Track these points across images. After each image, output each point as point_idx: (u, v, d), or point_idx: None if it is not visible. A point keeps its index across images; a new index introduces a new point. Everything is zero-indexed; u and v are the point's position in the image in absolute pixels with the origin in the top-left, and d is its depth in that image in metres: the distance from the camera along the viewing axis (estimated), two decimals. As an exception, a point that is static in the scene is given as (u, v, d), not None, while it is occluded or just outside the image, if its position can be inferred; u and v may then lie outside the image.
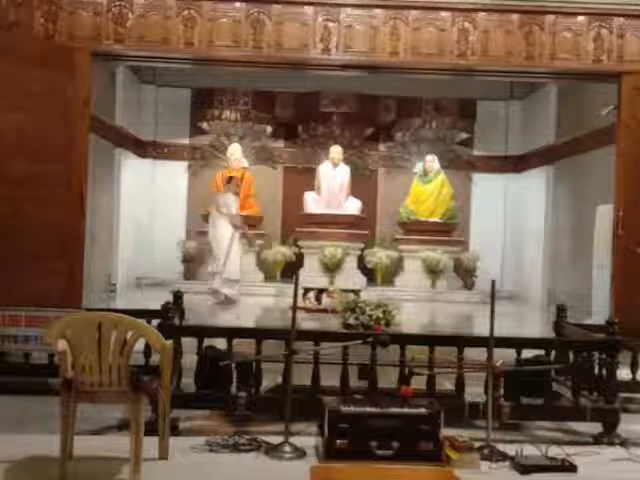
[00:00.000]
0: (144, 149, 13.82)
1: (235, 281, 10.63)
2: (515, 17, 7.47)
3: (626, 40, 7.43)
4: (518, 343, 5.28)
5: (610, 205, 8.03)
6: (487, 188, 14.12)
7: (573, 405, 5.05)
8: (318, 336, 5.14)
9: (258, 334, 5.18)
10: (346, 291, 9.84)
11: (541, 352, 5.51)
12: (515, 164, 14.09)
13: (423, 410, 4.38)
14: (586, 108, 10.85)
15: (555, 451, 4.45)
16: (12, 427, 4.78)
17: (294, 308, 4.68)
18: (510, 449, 4.43)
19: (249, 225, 13.12)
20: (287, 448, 4.39)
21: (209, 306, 10.29)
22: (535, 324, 10.73)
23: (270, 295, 11.93)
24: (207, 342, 5.17)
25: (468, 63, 7.54)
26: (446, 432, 4.37)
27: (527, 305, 12.82)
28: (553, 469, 4.26)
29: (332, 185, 13.39)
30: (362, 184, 13.79)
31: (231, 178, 11.38)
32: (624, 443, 4.88)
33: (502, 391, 4.93)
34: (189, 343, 5.14)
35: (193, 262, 13.01)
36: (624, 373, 5.62)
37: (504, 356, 4.98)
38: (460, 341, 5.24)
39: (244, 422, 4.96)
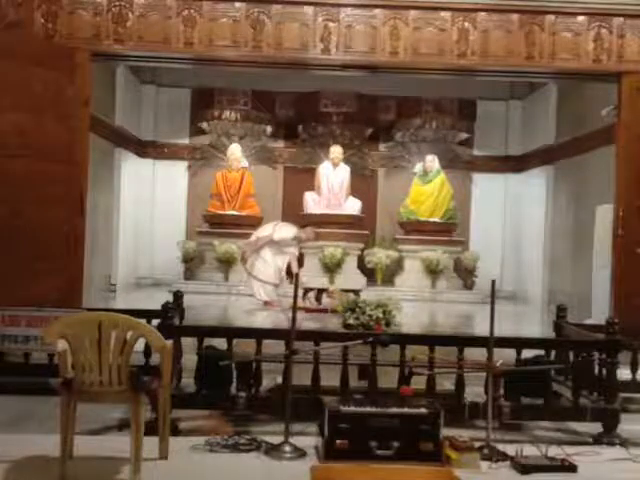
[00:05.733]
0: (144, 149, 13.83)
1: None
2: (515, 17, 7.48)
3: (626, 40, 7.44)
4: (518, 343, 5.27)
5: (610, 205, 8.03)
6: (487, 188, 14.12)
7: (573, 405, 5.05)
8: (318, 336, 5.14)
9: (258, 334, 5.18)
10: (346, 291, 9.84)
11: (541, 352, 5.51)
12: (515, 164, 14.09)
13: (423, 410, 4.37)
14: (586, 108, 10.85)
15: (555, 451, 4.44)
16: (12, 427, 4.78)
17: (294, 308, 4.68)
18: (510, 449, 4.42)
19: (247, 225, 13.14)
20: (287, 448, 4.38)
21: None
22: (535, 324, 10.72)
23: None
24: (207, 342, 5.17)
25: (468, 63, 7.55)
26: (446, 432, 4.36)
27: (527, 305, 12.82)
28: (553, 469, 4.26)
29: (332, 185, 13.38)
30: (362, 184, 13.79)
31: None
32: (624, 443, 4.87)
33: (502, 391, 4.93)
34: (189, 343, 5.14)
35: (193, 262, 13.02)
36: (624, 373, 5.61)
37: (504, 356, 4.98)
38: (460, 341, 5.24)
39: (244, 422, 4.96)
